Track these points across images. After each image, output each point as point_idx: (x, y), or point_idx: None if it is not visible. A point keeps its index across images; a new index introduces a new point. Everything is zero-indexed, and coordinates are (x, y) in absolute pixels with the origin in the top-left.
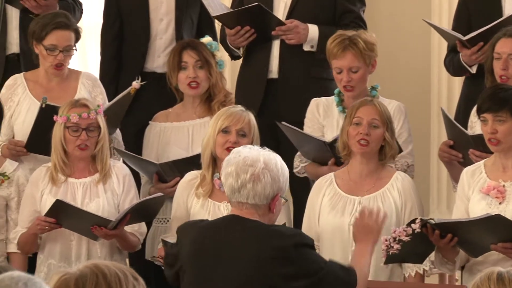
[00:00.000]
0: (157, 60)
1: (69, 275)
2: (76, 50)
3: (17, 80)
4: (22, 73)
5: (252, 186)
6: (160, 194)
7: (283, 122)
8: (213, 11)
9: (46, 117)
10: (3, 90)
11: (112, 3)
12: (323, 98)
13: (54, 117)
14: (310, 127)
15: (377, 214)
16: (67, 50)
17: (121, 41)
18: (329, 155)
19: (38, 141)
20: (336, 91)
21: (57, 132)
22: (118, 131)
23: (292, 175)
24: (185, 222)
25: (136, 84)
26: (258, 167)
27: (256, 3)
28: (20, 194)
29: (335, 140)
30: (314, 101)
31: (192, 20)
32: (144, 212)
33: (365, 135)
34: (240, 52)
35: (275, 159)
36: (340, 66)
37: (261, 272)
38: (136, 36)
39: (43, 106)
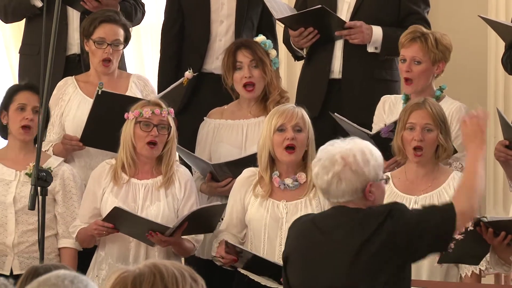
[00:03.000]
0: (216, 61)
1: (128, 273)
2: (124, 47)
3: (67, 81)
4: (73, 76)
5: (336, 187)
6: (219, 203)
7: (336, 114)
8: (277, 14)
9: (102, 105)
10: (54, 90)
11: (174, 3)
12: (392, 96)
13: (125, 115)
14: (376, 123)
15: (477, 115)
16: (115, 45)
17: (181, 41)
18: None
19: (94, 133)
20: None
21: (128, 128)
22: None
23: None
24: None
25: (188, 74)
26: (337, 166)
27: (320, 5)
28: (65, 188)
29: (378, 133)
30: (383, 98)
31: (252, 22)
32: (203, 221)
33: (419, 141)
34: (304, 52)
35: (354, 152)
36: (405, 55)
37: (367, 253)
38: (196, 37)
39: (99, 92)
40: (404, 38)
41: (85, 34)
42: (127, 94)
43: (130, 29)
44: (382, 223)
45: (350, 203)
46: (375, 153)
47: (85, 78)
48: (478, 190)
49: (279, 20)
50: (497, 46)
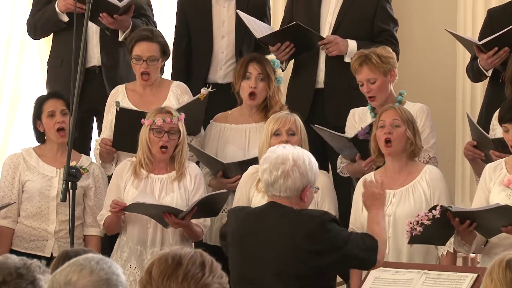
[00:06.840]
0: (219, 72)
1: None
2: (162, 62)
3: (118, 89)
4: (124, 84)
5: (283, 181)
6: (224, 190)
7: (316, 125)
8: (258, 34)
9: (122, 119)
10: (108, 98)
11: (182, 22)
12: (359, 108)
13: (142, 120)
14: (348, 133)
15: (379, 182)
16: (151, 60)
17: (190, 55)
18: (354, 151)
19: (122, 140)
20: None
21: (143, 133)
22: (202, 131)
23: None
24: (236, 206)
25: (204, 90)
26: (287, 165)
27: (294, 22)
28: (96, 184)
29: (356, 135)
30: (351, 112)
31: (250, 37)
32: (209, 206)
33: (389, 134)
34: (284, 66)
35: (303, 157)
36: (360, 80)
37: (295, 250)
38: (202, 51)
39: (118, 109)
40: (355, 64)
41: (127, 50)
42: (165, 103)
43: (167, 44)
44: (316, 227)
45: (287, 200)
46: (315, 163)
47: (133, 87)
48: (384, 239)
49: (260, 39)
50: (465, 60)
